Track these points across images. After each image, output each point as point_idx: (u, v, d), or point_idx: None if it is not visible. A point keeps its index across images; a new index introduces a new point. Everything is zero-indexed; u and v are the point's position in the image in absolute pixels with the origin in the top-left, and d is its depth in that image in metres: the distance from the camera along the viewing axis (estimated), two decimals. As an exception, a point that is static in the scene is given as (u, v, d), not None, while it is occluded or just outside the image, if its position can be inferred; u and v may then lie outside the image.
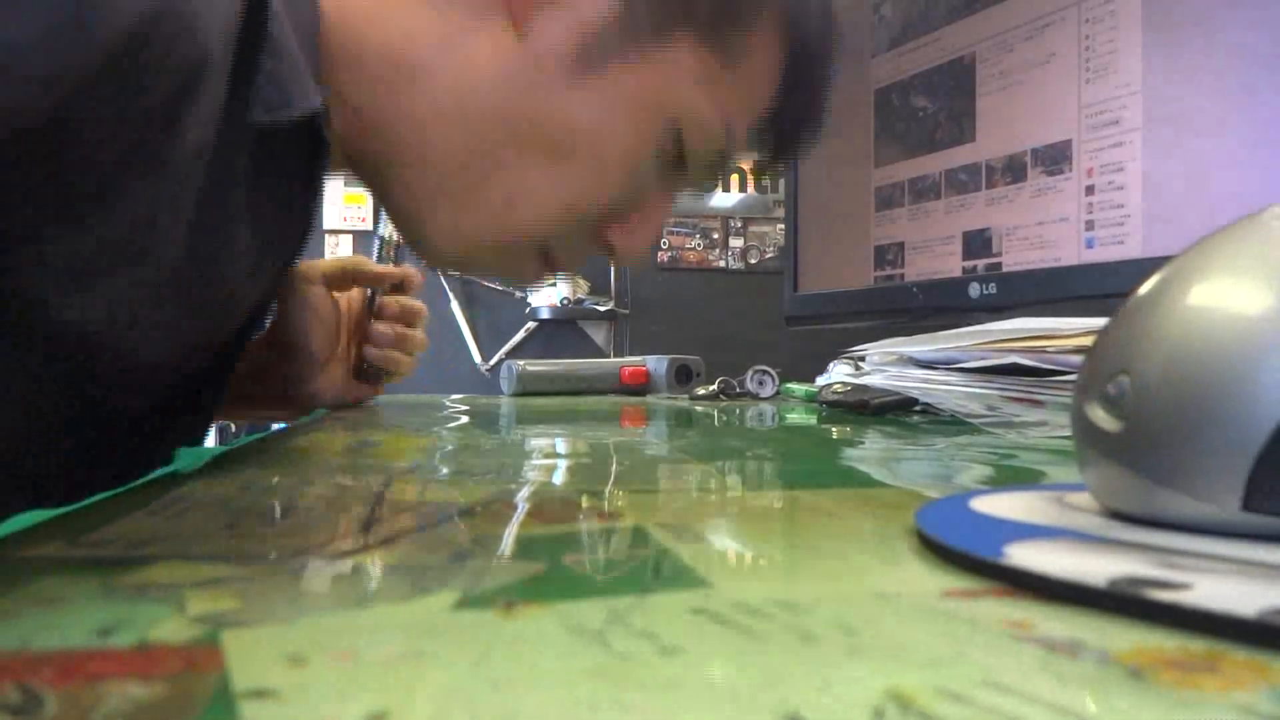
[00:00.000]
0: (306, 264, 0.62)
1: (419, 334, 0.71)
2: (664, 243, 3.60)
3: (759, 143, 0.53)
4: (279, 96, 0.37)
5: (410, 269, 0.71)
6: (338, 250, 3.40)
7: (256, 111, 0.37)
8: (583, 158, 0.47)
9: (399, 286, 0.70)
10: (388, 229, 0.70)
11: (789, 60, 0.50)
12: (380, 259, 0.70)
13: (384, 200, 0.50)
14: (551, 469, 0.38)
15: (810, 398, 0.85)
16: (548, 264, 0.52)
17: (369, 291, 0.70)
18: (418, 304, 0.72)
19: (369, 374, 0.69)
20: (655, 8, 0.46)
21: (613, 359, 1.14)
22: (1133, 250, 0.71)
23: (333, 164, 0.50)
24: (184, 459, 0.34)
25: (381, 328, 0.69)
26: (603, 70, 0.46)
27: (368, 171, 0.49)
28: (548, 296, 3.37)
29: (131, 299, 0.36)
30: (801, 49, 0.50)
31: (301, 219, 0.46)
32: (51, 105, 0.25)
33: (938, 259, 0.89)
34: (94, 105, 0.27)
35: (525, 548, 0.21)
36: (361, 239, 3.44)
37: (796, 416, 0.70)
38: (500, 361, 2.39)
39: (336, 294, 0.67)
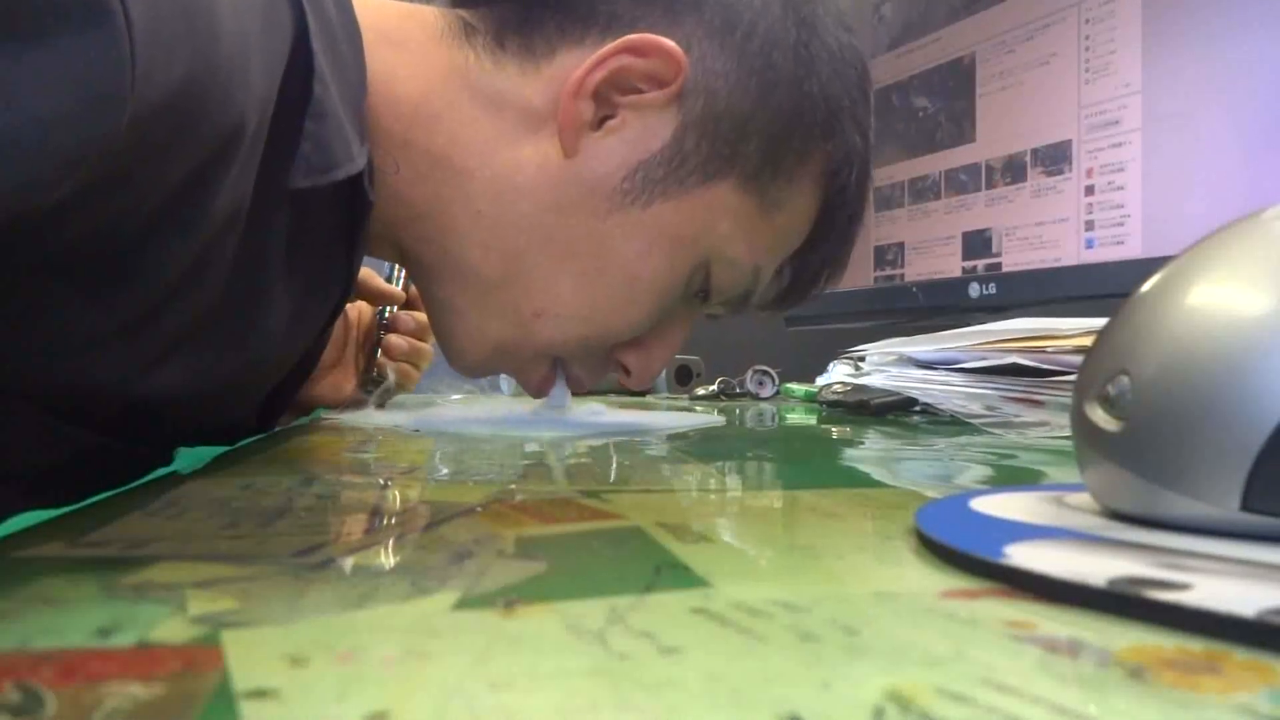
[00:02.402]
0: None
1: (429, 349, 0.72)
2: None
3: (779, 282, 0.53)
4: (321, 159, 0.37)
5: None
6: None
7: (298, 175, 0.36)
8: (613, 283, 0.47)
9: (411, 303, 0.72)
10: None
11: (823, 212, 0.51)
12: (391, 278, 0.71)
13: (426, 304, 0.50)
14: (551, 469, 0.38)
15: (810, 398, 0.85)
16: (556, 377, 0.52)
17: (381, 308, 0.71)
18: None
19: (377, 384, 0.70)
20: (705, 151, 0.46)
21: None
22: (1133, 250, 0.71)
23: (385, 256, 0.51)
24: (184, 459, 0.34)
25: (396, 340, 0.70)
26: (645, 203, 0.46)
27: (416, 272, 0.49)
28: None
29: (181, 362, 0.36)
30: (839, 202, 0.51)
31: (343, 278, 0.46)
32: (73, 183, 0.24)
33: (938, 259, 0.89)
34: (119, 174, 0.26)
35: (525, 548, 0.21)
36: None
37: (796, 416, 0.70)
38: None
39: (347, 305, 0.68)
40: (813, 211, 0.51)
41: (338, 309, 0.48)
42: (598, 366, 0.52)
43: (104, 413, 0.36)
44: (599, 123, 0.45)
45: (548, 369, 0.51)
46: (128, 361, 0.34)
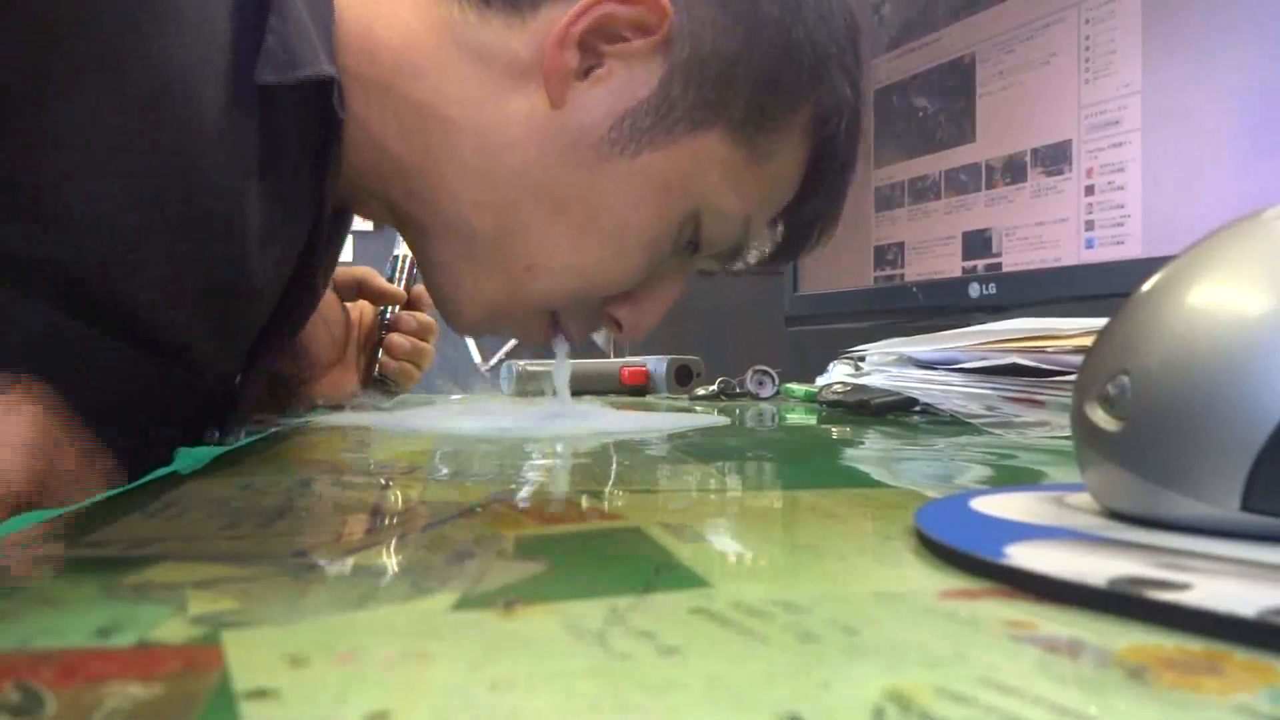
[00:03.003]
0: None
1: (431, 348, 0.73)
2: (664, 243, 3.60)
3: (772, 236, 0.54)
4: (285, 56, 0.38)
5: (423, 289, 0.72)
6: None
7: (263, 70, 0.37)
8: (605, 233, 0.47)
9: (412, 303, 0.72)
10: (403, 248, 0.71)
11: (813, 163, 0.51)
12: (394, 278, 0.71)
13: (420, 264, 0.51)
14: (551, 469, 0.38)
15: (810, 398, 0.85)
16: (556, 330, 0.52)
17: (383, 307, 0.71)
18: (432, 320, 0.73)
19: (380, 384, 0.70)
20: (692, 99, 0.46)
21: (613, 359, 1.14)
22: (1133, 250, 0.71)
23: (376, 215, 0.51)
24: (184, 459, 0.34)
25: (398, 339, 0.70)
26: (633, 152, 0.46)
27: (408, 231, 0.49)
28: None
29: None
30: (828, 152, 0.51)
31: (314, 200, 0.45)
32: None
33: (938, 259, 0.89)
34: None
35: (525, 548, 0.21)
36: (362, 240, 3.43)
37: (796, 416, 0.70)
38: (500, 362, 2.39)
39: (348, 305, 0.68)
40: (803, 162, 0.51)
41: (314, 247, 0.48)
42: (590, 320, 0.52)
43: (105, 314, 0.37)
44: (585, 73, 0.45)
45: (544, 323, 0.51)
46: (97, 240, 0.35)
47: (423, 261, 0.50)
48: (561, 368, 0.54)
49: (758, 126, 0.47)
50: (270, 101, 0.38)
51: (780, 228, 0.54)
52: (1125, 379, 0.21)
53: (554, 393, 0.56)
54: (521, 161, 0.45)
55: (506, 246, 0.47)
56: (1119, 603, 0.15)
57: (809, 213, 0.53)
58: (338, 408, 0.61)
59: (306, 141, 0.42)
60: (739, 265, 0.54)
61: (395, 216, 0.49)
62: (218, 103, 0.36)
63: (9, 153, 0.32)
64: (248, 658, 0.13)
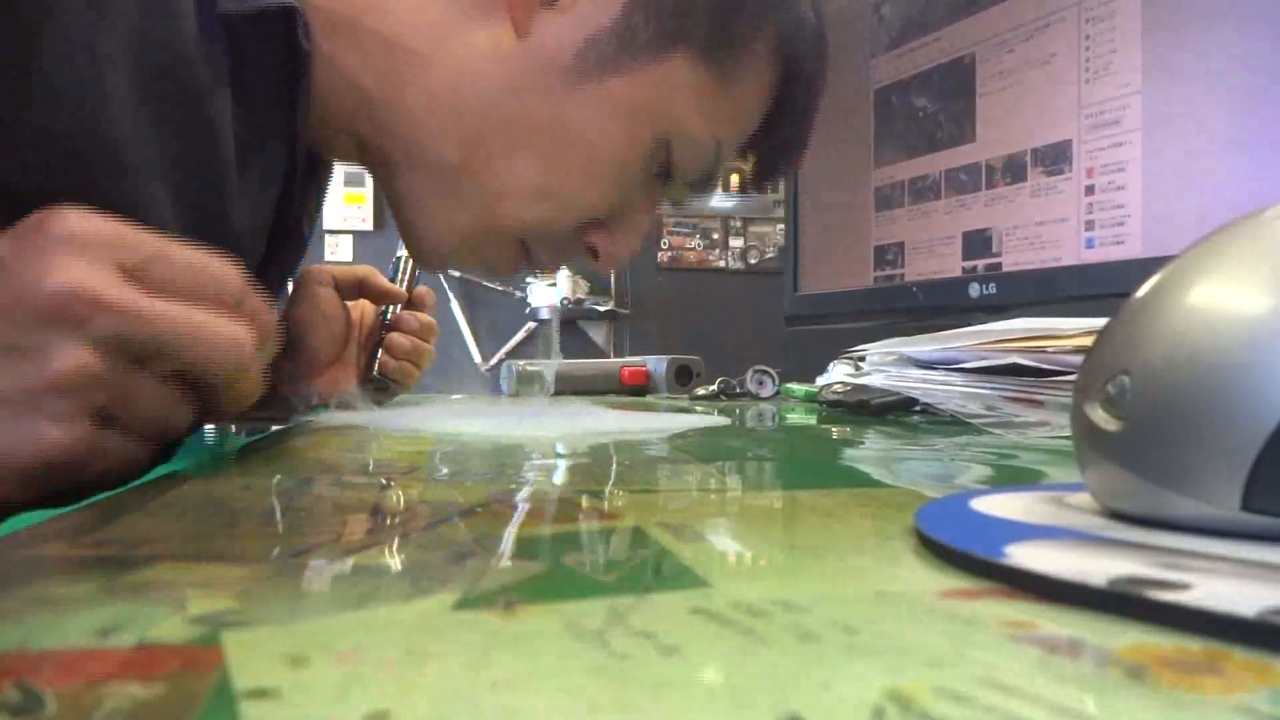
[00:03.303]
0: (318, 267, 0.64)
1: (431, 348, 0.73)
2: (664, 243, 3.60)
3: (745, 160, 0.54)
4: None
5: (424, 289, 0.73)
6: (337, 251, 3.40)
7: (226, 1, 0.39)
8: (573, 161, 0.48)
9: (413, 303, 0.72)
10: (405, 250, 0.72)
11: (781, 84, 0.52)
12: (396, 279, 0.71)
13: (390, 200, 0.51)
14: (551, 469, 0.38)
15: (810, 398, 0.85)
16: (528, 260, 0.53)
17: (384, 306, 0.71)
18: (433, 321, 0.73)
19: (379, 384, 0.70)
20: (655, 25, 0.47)
21: (613, 359, 1.14)
22: (1133, 250, 0.71)
23: (345, 154, 0.51)
24: (184, 459, 0.34)
25: (399, 339, 0.70)
26: (599, 78, 0.47)
27: (377, 168, 0.50)
28: (548, 297, 3.37)
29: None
30: (794, 74, 0.52)
31: (286, 134, 0.46)
32: None
33: (938, 259, 0.89)
34: None
35: (525, 548, 0.21)
36: (361, 240, 3.44)
37: (796, 416, 0.70)
38: (500, 362, 2.39)
39: (350, 304, 0.68)
40: (770, 86, 0.51)
41: (291, 193, 0.48)
42: (563, 249, 0.53)
43: None
44: (549, 2, 0.46)
45: (515, 254, 0.52)
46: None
47: (392, 197, 0.51)
48: (551, 354, 0.55)
49: (722, 50, 0.48)
50: (237, 34, 0.40)
51: (751, 156, 0.54)
52: (1125, 379, 0.21)
53: (542, 391, 0.57)
54: (488, 91, 0.46)
55: (476, 176, 0.48)
56: (1119, 603, 0.15)
57: (778, 137, 0.54)
58: (346, 406, 0.61)
59: (275, 76, 0.43)
60: (711, 191, 0.55)
61: (366, 153, 0.50)
62: (192, 27, 0.38)
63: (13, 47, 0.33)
64: (247, 658, 0.13)
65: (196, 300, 0.27)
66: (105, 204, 0.36)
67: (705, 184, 0.53)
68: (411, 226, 0.51)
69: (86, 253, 0.26)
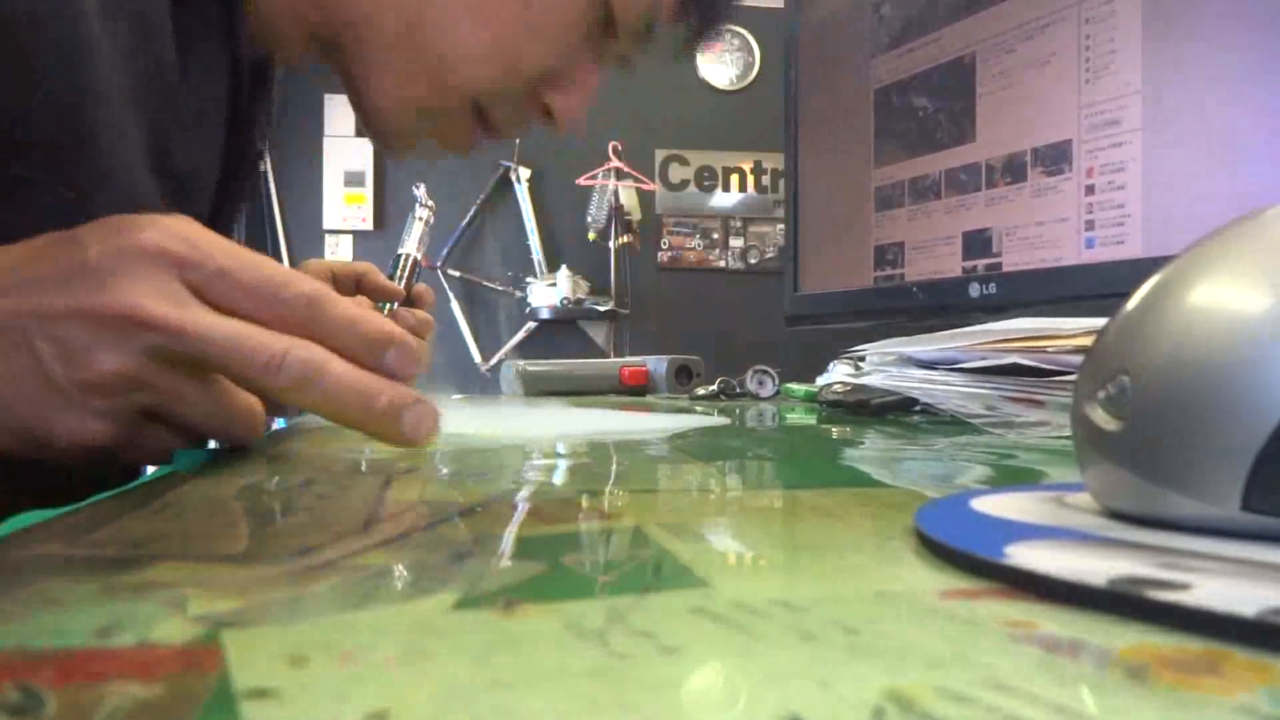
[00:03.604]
0: (316, 262, 0.65)
1: (428, 346, 0.73)
2: (664, 243, 3.60)
3: (682, 14, 0.55)
4: None
5: (423, 287, 0.73)
6: (337, 251, 3.40)
7: None
8: (512, 15, 0.49)
9: (411, 301, 0.72)
10: (405, 247, 0.72)
11: None
12: (395, 276, 0.71)
13: (346, 87, 0.53)
14: (551, 469, 0.38)
15: (810, 398, 0.85)
16: (485, 128, 0.54)
17: (381, 303, 0.71)
18: (431, 319, 0.73)
19: None
20: None
21: (613, 359, 1.14)
22: (1133, 250, 0.71)
23: (296, 48, 0.53)
24: (184, 459, 0.34)
25: None
26: None
27: (329, 56, 0.51)
28: (547, 296, 3.37)
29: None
30: None
31: (227, 47, 0.48)
32: None
33: (938, 259, 0.89)
34: None
35: (525, 548, 0.21)
36: (361, 239, 3.44)
37: (796, 416, 0.70)
38: (500, 361, 2.39)
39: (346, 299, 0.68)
40: None
41: (238, 109, 0.50)
42: (517, 112, 0.54)
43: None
44: None
45: (471, 124, 0.53)
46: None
47: (347, 83, 0.52)
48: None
49: None
50: None
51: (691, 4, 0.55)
52: (1125, 379, 0.21)
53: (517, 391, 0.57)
54: None
55: (416, 41, 0.49)
56: (1119, 602, 0.15)
57: None
58: None
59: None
60: (653, 43, 0.55)
61: (319, 48, 0.51)
62: None
63: None
64: (248, 658, 0.13)
65: (253, 314, 0.29)
66: (80, 134, 0.38)
67: (648, 36, 0.54)
68: (369, 107, 0.52)
69: (155, 266, 0.29)
